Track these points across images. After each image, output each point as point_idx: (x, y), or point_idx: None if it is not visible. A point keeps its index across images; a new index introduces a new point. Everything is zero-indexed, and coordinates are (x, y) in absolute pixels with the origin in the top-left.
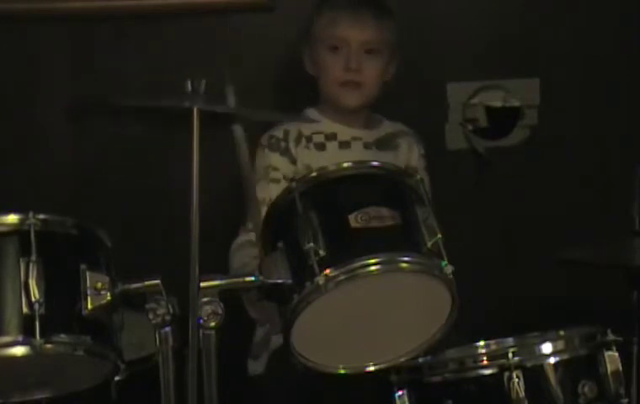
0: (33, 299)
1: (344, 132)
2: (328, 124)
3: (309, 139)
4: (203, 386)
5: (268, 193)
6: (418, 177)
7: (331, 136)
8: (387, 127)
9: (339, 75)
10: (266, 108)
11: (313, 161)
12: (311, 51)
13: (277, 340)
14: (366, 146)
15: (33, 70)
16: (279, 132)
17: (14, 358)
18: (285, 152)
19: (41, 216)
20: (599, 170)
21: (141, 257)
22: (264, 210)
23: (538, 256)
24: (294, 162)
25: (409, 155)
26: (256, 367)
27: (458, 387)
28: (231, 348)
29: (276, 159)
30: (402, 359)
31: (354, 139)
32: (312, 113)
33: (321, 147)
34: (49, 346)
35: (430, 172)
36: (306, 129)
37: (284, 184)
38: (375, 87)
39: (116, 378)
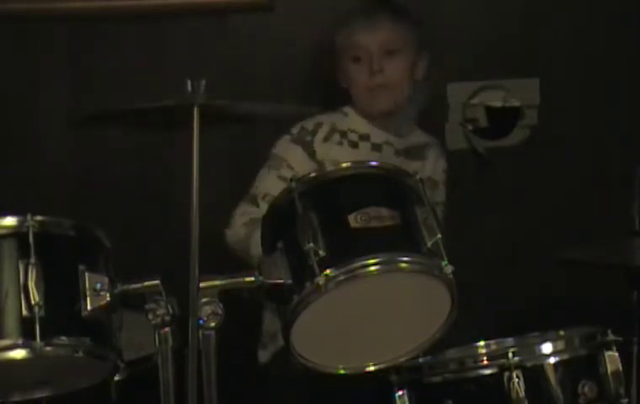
0: (32, 301)
1: (378, 135)
2: (363, 124)
3: (344, 134)
4: (203, 387)
5: (270, 187)
6: (418, 177)
7: (365, 137)
8: (418, 136)
9: (366, 81)
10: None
11: (344, 158)
12: (340, 66)
13: None
14: (397, 152)
15: (33, 70)
16: (309, 124)
17: (14, 361)
18: (307, 147)
19: (39, 218)
20: (599, 170)
21: (141, 257)
22: (262, 204)
23: (538, 256)
24: (313, 156)
25: (435, 167)
26: (264, 356)
27: (458, 387)
28: (236, 337)
29: (295, 154)
30: (402, 359)
31: (387, 143)
32: (348, 110)
33: (354, 146)
34: (49, 348)
35: (446, 172)
36: (342, 124)
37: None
38: (404, 86)
39: (116, 378)
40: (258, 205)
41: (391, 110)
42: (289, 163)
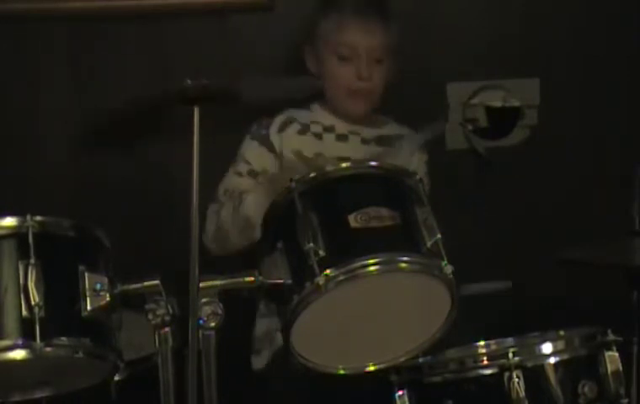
0: (32, 302)
1: (343, 126)
2: (327, 117)
3: (306, 126)
4: (203, 387)
5: (227, 183)
6: (418, 177)
7: (329, 128)
8: (393, 128)
9: (350, 83)
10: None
11: (307, 148)
12: (315, 51)
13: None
14: (364, 141)
15: (33, 70)
16: (265, 119)
17: (14, 362)
18: (264, 141)
19: (39, 218)
20: (599, 170)
21: (141, 257)
22: (222, 198)
23: (538, 256)
24: (272, 150)
25: (410, 159)
26: (258, 362)
27: (458, 387)
28: (233, 343)
29: (252, 149)
30: (402, 359)
31: (352, 133)
32: (314, 108)
33: (318, 137)
34: (49, 349)
35: (430, 172)
36: (304, 117)
37: (246, 179)
38: (381, 91)
39: (116, 378)
40: (218, 201)
41: (364, 114)
42: (245, 159)
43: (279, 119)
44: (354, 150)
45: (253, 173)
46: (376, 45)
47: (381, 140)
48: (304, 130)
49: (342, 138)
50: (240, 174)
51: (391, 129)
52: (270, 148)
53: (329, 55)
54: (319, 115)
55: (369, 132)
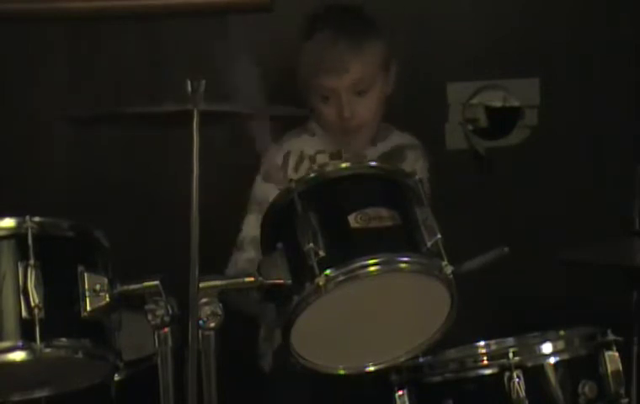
0: (32, 303)
1: (349, 150)
2: (330, 143)
3: (313, 159)
4: (202, 387)
5: (253, 230)
6: (417, 177)
7: (335, 155)
8: (395, 139)
9: (337, 122)
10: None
11: None
12: (304, 90)
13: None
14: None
15: (33, 70)
16: (278, 158)
17: (14, 363)
18: (281, 184)
19: (38, 219)
20: (599, 170)
21: (141, 257)
22: (248, 248)
23: (538, 256)
24: None
25: (415, 167)
26: (268, 363)
27: (458, 387)
28: (236, 337)
29: (270, 190)
30: (402, 359)
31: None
32: (315, 128)
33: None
34: (49, 350)
35: (430, 172)
36: (310, 148)
37: None
38: (377, 115)
39: (116, 378)
40: (244, 249)
41: (366, 146)
42: (269, 201)
43: (293, 157)
44: None
45: None
46: (353, 81)
47: (386, 157)
48: (312, 164)
49: None
50: None
51: (393, 140)
52: None
53: (314, 98)
54: (324, 142)
55: (375, 151)
